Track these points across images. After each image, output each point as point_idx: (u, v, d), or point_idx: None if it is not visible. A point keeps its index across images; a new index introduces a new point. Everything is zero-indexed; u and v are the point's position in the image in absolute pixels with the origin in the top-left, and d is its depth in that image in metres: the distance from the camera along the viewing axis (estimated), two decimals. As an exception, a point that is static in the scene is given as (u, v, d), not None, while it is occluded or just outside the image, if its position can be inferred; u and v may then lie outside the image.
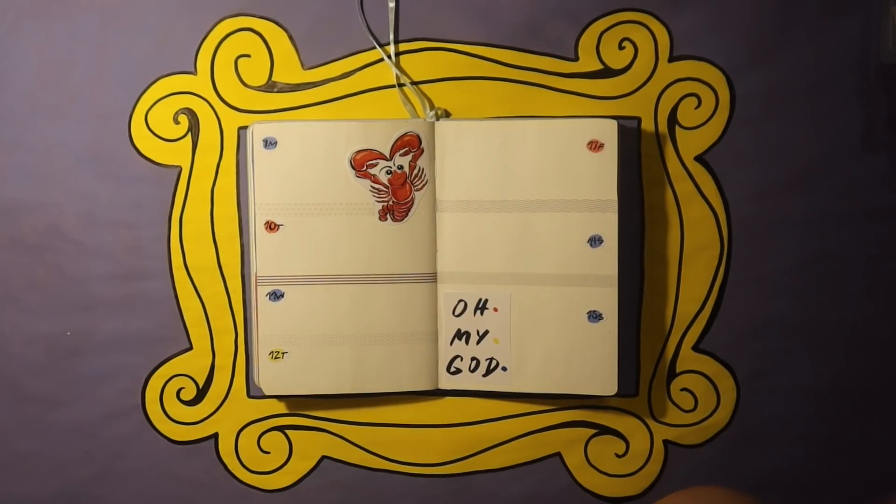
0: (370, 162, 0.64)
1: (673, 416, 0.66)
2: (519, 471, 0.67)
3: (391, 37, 0.65)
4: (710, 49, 0.64)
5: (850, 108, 0.64)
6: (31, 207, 0.66)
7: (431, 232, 0.64)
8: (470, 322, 0.65)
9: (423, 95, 0.65)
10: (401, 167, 0.64)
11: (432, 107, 0.65)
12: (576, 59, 0.65)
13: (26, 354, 0.67)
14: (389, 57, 0.65)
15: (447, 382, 0.65)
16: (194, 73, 0.65)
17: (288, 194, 0.63)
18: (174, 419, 0.67)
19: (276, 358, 0.64)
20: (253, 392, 0.67)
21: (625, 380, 0.63)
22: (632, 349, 0.66)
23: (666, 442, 0.66)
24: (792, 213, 0.64)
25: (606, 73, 0.65)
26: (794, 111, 0.64)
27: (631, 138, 0.65)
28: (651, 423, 0.66)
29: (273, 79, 0.65)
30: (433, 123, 0.64)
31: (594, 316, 0.63)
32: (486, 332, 0.64)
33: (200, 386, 0.67)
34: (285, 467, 0.67)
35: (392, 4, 0.64)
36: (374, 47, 0.65)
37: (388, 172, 0.64)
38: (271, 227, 0.64)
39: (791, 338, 0.65)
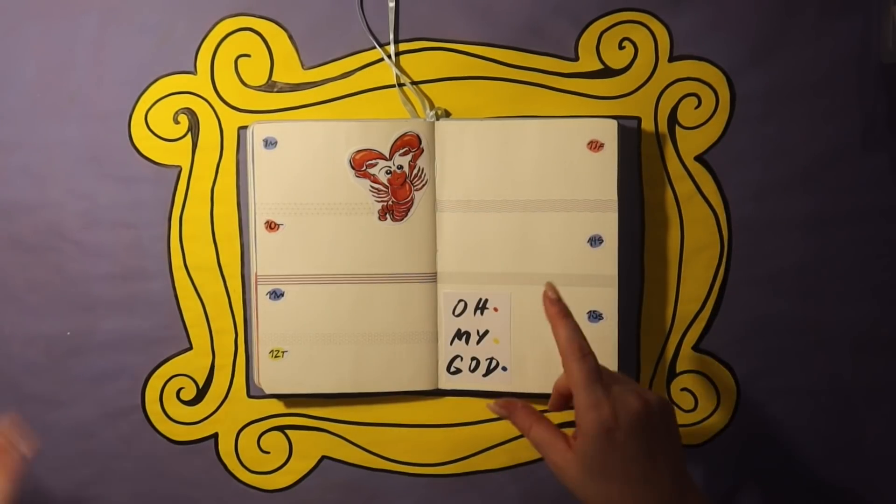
0: (370, 162, 0.64)
1: (673, 416, 0.66)
2: (519, 471, 0.67)
3: (391, 37, 0.65)
4: (710, 49, 0.64)
5: (850, 108, 0.64)
6: (31, 207, 0.66)
7: (431, 232, 0.64)
8: (470, 322, 0.65)
9: (423, 95, 0.65)
10: (400, 167, 0.64)
11: (432, 107, 0.65)
12: (576, 59, 0.65)
13: (26, 354, 0.67)
14: (389, 57, 0.65)
15: (447, 382, 0.65)
16: (194, 72, 0.65)
17: (288, 194, 0.63)
18: (174, 419, 0.67)
19: (276, 357, 0.64)
20: (253, 392, 0.67)
21: (625, 380, 0.63)
22: (632, 349, 0.66)
23: (666, 442, 0.66)
24: (792, 213, 0.64)
25: (606, 73, 0.65)
26: (794, 111, 0.64)
27: (631, 138, 0.65)
28: (651, 423, 0.66)
29: (273, 79, 0.65)
30: (433, 123, 0.64)
31: (594, 316, 0.63)
32: (486, 332, 0.64)
33: (200, 386, 0.67)
34: (285, 467, 0.67)
35: (392, 4, 0.64)
36: (374, 47, 0.65)
37: (387, 172, 0.64)
38: (271, 226, 0.64)
39: (791, 338, 0.65)
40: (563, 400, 0.56)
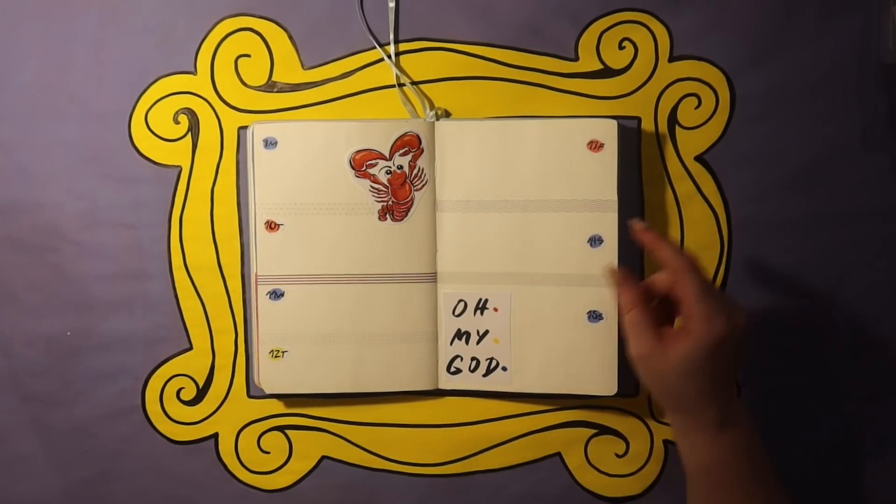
0: (370, 162, 0.64)
1: (673, 416, 0.66)
2: (519, 471, 0.67)
3: (391, 37, 0.65)
4: (710, 49, 0.64)
5: (850, 108, 0.64)
6: (31, 207, 0.66)
7: (431, 232, 0.64)
8: (470, 322, 0.65)
9: (423, 95, 0.65)
10: (400, 167, 0.64)
11: (432, 107, 0.65)
12: (576, 59, 0.65)
13: (26, 354, 0.67)
14: (389, 57, 0.65)
15: (447, 382, 0.65)
16: (194, 73, 0.65)
17: (288, 194, 0.63)
18: (174, 419, 0.67)
19: (276, 357, 0.64)
20: (253, 392, 0.67)
21: (625, 380, 0.63)
22: (632, 349, 0.66)
23: (666, 442, 0.66)
24: (792, 213, 0.64)
25: (606, 73, 0.65)
26: (794, 111, 0.64)
27: (631, 138, 0.65)
28: (651, 423, 0.66)
29: (273, 79, 0.65)
30: (433, 123, 0.64)
31: (594, 316, 0.63)
32: (486, 332, 0.64)
33: (200, 386, 0.67)
34: (285, 467, 0.67)
35: (392, 4, 0.65)
36: (374, 47, 0.65)
37: (387, 172, 0.64)
38: (271, 226, 0.64)
39: (791, 338, 0.65)
40: (649, 296, 0.56)
